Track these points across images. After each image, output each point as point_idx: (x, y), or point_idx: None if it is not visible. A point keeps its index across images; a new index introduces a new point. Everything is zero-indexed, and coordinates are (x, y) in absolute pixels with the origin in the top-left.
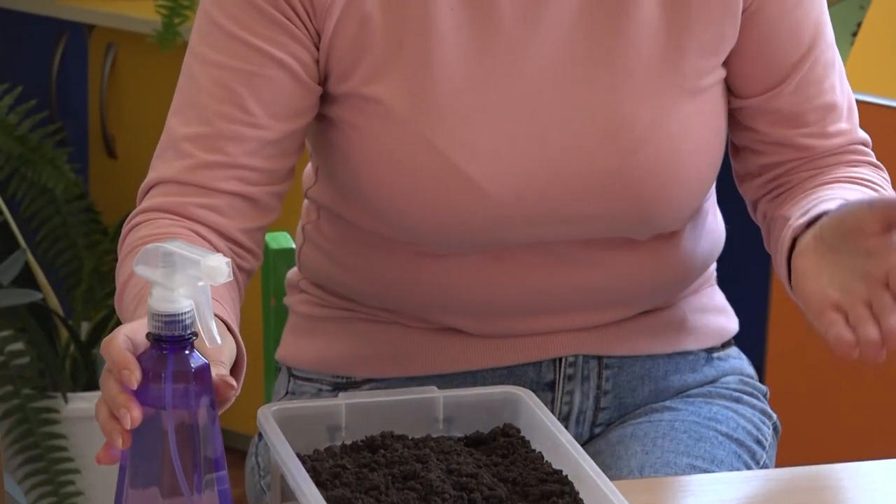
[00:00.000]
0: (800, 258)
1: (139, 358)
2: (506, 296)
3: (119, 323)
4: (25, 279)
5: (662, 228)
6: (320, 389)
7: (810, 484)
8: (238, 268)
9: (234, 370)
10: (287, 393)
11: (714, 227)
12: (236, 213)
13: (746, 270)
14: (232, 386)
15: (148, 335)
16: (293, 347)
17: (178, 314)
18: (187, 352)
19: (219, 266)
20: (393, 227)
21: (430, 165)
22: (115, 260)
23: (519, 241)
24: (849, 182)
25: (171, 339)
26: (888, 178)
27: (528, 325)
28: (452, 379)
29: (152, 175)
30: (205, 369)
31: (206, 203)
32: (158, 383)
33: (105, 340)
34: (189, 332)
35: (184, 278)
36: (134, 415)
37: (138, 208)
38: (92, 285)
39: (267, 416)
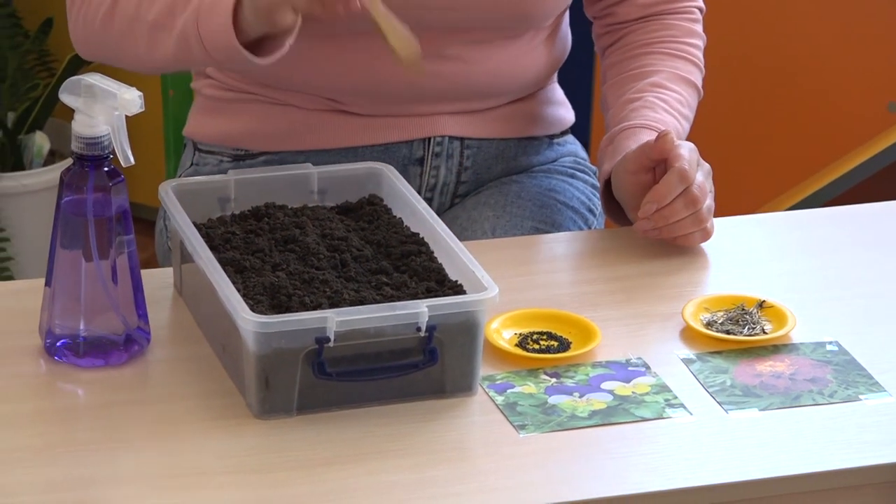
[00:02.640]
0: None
1: (63, 174)
2: (392, 81)
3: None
4: None
5: (538, 21)
6: (221, 161)
7: (629, 241)
8: None
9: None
10: (192, 164)
11: (566, 32)
12: None
13: (576, 71)
14: None
15: (72, 154)
16: (199, 125)
17: (98, 137)
18: (106, 169)
19: (133, 98)
20: None
21: None
22: (35, 59)
23: (422, 25)
24: (663, 87)
25: (92, 159)
26: (701, 43)
27: (407, 109)
28: (337, 154)
29: None
30: (121, 183)
31: None
32: (81, 194)
33: None
34: (107, 152)
35: (102, 108)
36: None
37: None
38: (16, 81)
39: (167, 191)
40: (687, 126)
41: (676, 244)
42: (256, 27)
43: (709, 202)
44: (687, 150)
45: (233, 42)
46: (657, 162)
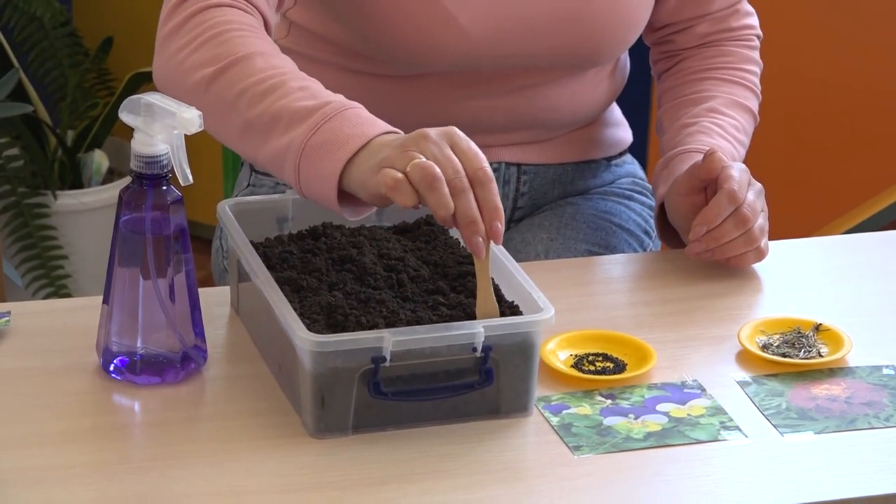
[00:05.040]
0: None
1: (122, 192)
2: (450, 118)
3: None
4: (19, 94)
5: (602, 62)
6: (277, 183)
7: (685, 263)
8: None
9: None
10: (249, 185)
11: (625, 60)
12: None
13: (633, 89)
14: None
15: (130, 172)
16: None
17: (156, 156)
18: (164, 187)
19: (192, 118)
20: (371, 48)
21: (423, 4)
22: (95, 78)
23: (478, 69)
24: (718, 111)
25: (150, 177)
26: (758, 70)
27: None
28: None
29: None
30: (179, 201)
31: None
32: (140, 212)
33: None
34: (165, 171)
35: (162, 126)
36: None
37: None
38: (76, 99)
39: (225, 210)
40: (743, 151)
41: (731, 266)
42: (358, 193)
43: (760, 222)
44: (737, 171)
45: (331, 197)
46: (706, 182)
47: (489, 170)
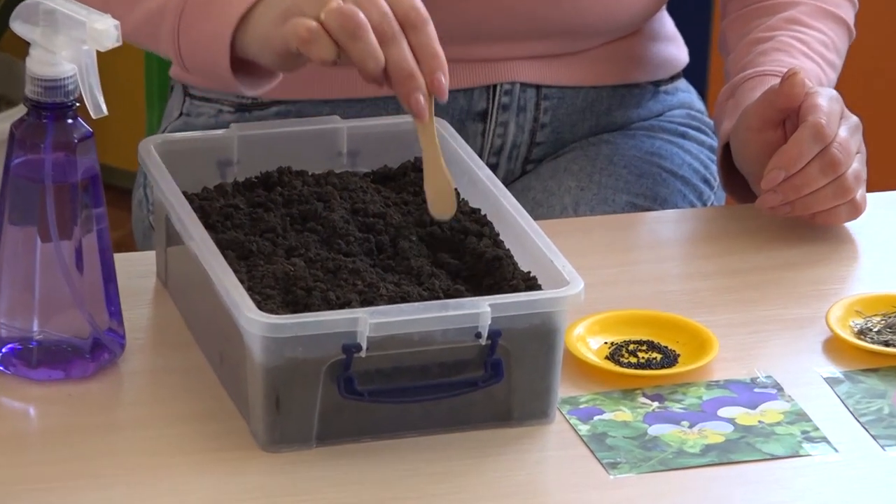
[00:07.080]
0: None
1: (14, 127)
2: (449, 18)
3: None
4: None
5: None
6: (220, 111)
7: (757, 222)
8: None
9: None
10: (181, 114)
11: None
12: None
13: None
14: None
15: (25, 101)
16: None
17: (60, 79)
18: (70, 121)
19: (106, 29)
20: None
21: None
22: None
23: None
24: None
25: (52, 107)
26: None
27: (468, 51)
28: (372, 105)
29: None
30: (89, 139)
31: None
32: (37, 153)
33: None
34: (71, 98)
35: (67, 40)
36: None
37: None
38: None
39: (149, 150)
40: (834, 76)
41: (816, 224)
42: (259, 55)
43: (856, 166)
44: (825, 99)
45: (222, 64)
46: (785, 113)
47: (423, 9)
